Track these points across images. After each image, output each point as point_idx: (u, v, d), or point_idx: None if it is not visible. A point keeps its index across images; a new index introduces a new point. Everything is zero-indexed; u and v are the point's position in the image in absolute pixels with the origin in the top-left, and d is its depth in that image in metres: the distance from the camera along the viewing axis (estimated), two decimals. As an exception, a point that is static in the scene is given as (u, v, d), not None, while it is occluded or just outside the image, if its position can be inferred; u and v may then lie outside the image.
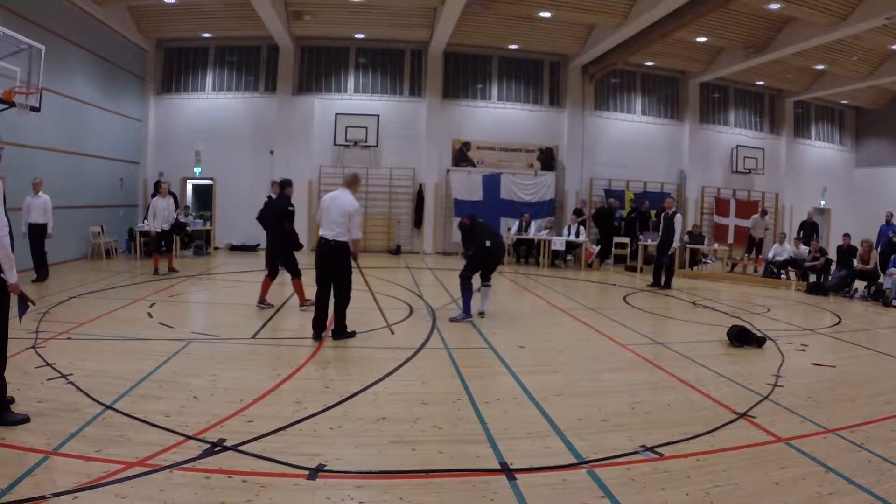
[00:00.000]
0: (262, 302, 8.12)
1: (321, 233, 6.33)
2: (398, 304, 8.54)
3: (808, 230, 14.88)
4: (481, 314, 7.82)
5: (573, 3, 13.50)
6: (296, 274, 8.00)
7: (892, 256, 11.07)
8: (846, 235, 12.32)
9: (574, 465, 3.50)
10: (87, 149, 12.94)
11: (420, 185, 16.61)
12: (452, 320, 7.52)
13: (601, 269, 14.76)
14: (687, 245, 14.13)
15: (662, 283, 11.51)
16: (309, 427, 3.94)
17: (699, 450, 3.76)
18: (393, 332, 6.83)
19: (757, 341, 6.70)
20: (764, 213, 16.53)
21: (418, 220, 16.70)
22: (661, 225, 11.63)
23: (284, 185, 8.07)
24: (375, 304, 7.09)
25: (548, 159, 17.34)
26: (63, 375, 4.72)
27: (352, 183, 6.53)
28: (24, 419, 3.72)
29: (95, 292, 8.76)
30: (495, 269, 7.96)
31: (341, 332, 6.43)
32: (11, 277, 3.68)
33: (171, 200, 11.56)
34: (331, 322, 6.47)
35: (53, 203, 11.68)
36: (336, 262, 6.27)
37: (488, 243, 7.57)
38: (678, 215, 11.56)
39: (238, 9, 14.00)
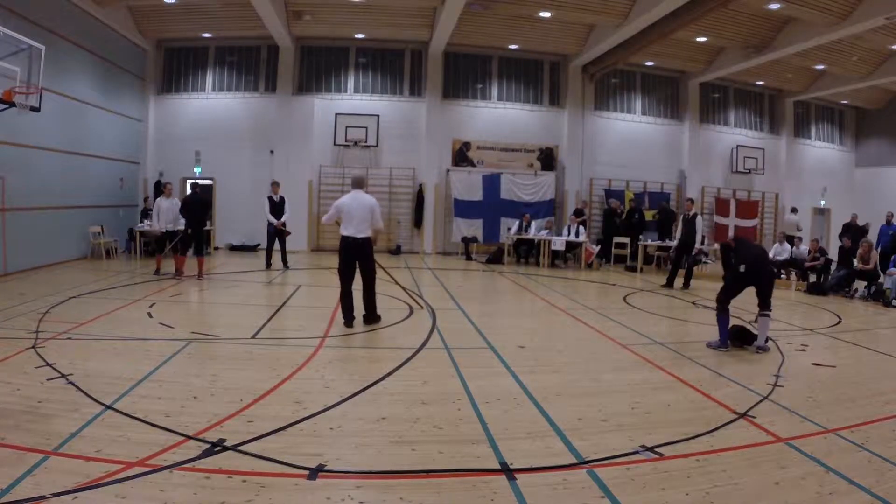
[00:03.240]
0: (181, 274, 10.41)
1: (345, 233, 6.99)
2: (398, 304, 8.54)
3: (855, 233, 14.10)
4: (758, 349, 6.53)
5: (573, 3, 13.50)
6: (202, 252, 10.74)
7: (893, 257, 11.07)
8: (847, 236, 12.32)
9: (574, 465, 3.50)
10: (87, 149, 12.93)
11: (420, 185, 16.62)
12: (708, 346, 6.67)
13: (601, 269, 14.77)
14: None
15: (672, 283, 11.55)
16: (309, 427, 3.94)
17: (699, 450, 3.76)
18: (423, 307, 8.32)
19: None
20: (793, 210, 16.87)
21: (418, 220, 16.71)
22: (681, 227, 11.78)
23: (194, 187, 11.11)
24: (404, 292, 8.03)
25: (548, 159, 17.34)
26: (63, 375, 4.72)
27: (363, 184, 7.32)
28: None
29: (95, 292, 8.76)
30: (764, 295, 6.66)
31: (372, 317, 7.21)
32: None
33: (176, 201, 11.55)
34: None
35: (53, 203, 11.73)
36: (363, 255, 7.07)
37: (742, 268, 6.59)
38: (698, 217, 11.83)
39: (238, 9, 14.00)
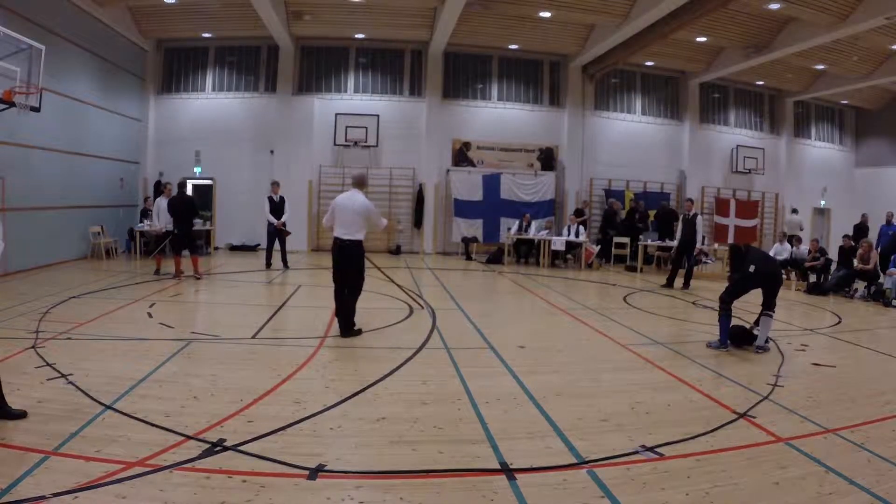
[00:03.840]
0: (179, 274, 10.33)
1: (335, 234, 6.54)
2: (398, 304, 8.54)
3: (857, 233, 14.18)
4: (758, 349, 6.56)
5: (573, 3, 13.49)
6: (198, 251, 11.00)
7: (893, 256, 11.06)
8: (846, 236, 12.30)
9: (574, 465, 3.50)
10: (87, 149, 12.93)
11: (420, 185, 16.61)
12: (708, 346, 6.66)
13: (601, 269, 14.76)
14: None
15: (673, 283, 11.54)
16: (309, 427, 3.94)
17: (699, 450, 3.76)
18: (423, 307, 8.22)
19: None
20: (794, 210, 16.92)
21: (418, 220, 16.71)
22: (682, 227, 11.83)
23: (181, 186, 11.15)
24: (402, 291, 8.26)
25: (548, 159, 17.34)
26: (63, 375, 4.72)
27: (362, 183, 6.78)
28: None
29: (95, 292, 8.75)
30: (772, 298, 6.67)
31: (348, 328, 6.60)
32: None
33: None
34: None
35: (52, 203, 11.73)
36: (351, 260, 6.55)
37: (752, 268, 6.54)
38: (699, 217, 11.89)
39: (238, 9, 13.99)
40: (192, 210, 10.77)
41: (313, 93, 16.56)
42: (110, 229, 13.59)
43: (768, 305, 6.60)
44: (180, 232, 10.44)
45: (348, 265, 6.57)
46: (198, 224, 14.89)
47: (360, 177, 6.87)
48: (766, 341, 6.62)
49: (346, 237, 6.47)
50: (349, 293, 6.65)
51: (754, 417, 4.37)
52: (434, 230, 16.82)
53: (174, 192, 11.00)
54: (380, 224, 6.75)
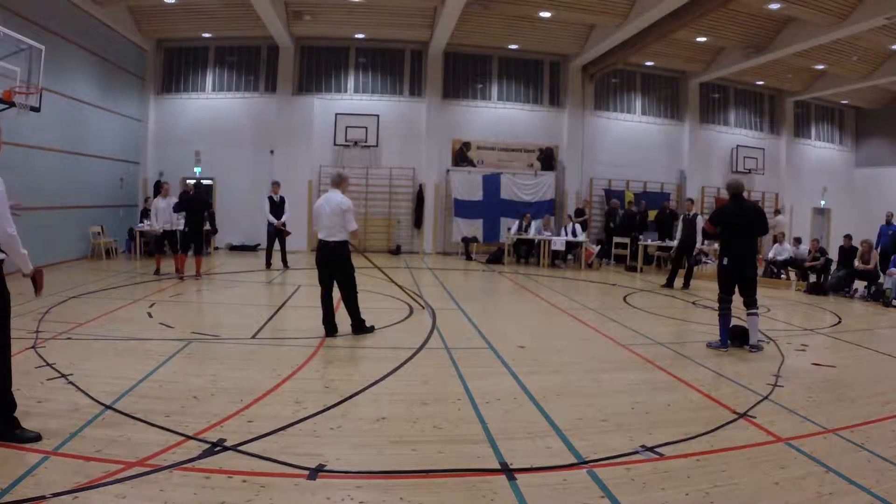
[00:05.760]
0: (180, 273, 10.38)
1: (319, 236, 6.52)
2: (398, 304, 8.54)
3: None
4: (751, 348, 6.49)
5: (573, 3, 13.50)
6: (201, 252, 10.93)
7: (893, 256, 11.06)
8: (847, 236, 12.30)
9: (574, 465, 3.50)
10: (87, 149, 12.93)
11: (420, 185, 16.62)
12: (708, 346, 6.62)
13: (601, 268, 14.76)
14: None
15: (673, 283, 11.55)
16: (309, 427, 3.94)
17: (699, 450, 3.75)
18: (423, 307, 8.27)
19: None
20: (776, 212, 16.87)
21: (418, 220, 16.71)
22: (682, 227, 11.88)
23: (197, 185, 11.34)
24: (402, 291, 8.37)
25: (548, 159, 17.35)
26: (63, 375, 4.72)
27: (339, 183, 6.63)
28: (37, 437, 3.48)
29: (95, 292, 8.75)
30: (747, 291, 6.59)
31: (360, 327, 6.64)
32: (26, 268, 3.78)
33: (173, 200, 11.53)
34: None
35: (52, 203, 11.72)
36: (336, 261, 6.47)
37: (725, 260, 6.56)
38: (699, 217, 11.91)
39: (238, 9, 14.00)
40: (203, 209, 10.97)
41: (313, 93, 16.57)
42: (110, 229, 13.59)
43: (750, 303, 6.59)
44: (192, 230, 10.48)
45: (333, 266, 6.49)
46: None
47: (337, 176, 6.71)
48: (759, 340, 6.59)
49: (329, 239, 6.39)
50: (344, 293, 6.58)
51: (754, 417, 4.37)
52: (434, 230, 16.83)
53: (191, 190, 11.03)
54: (349, 226, 6.39)
